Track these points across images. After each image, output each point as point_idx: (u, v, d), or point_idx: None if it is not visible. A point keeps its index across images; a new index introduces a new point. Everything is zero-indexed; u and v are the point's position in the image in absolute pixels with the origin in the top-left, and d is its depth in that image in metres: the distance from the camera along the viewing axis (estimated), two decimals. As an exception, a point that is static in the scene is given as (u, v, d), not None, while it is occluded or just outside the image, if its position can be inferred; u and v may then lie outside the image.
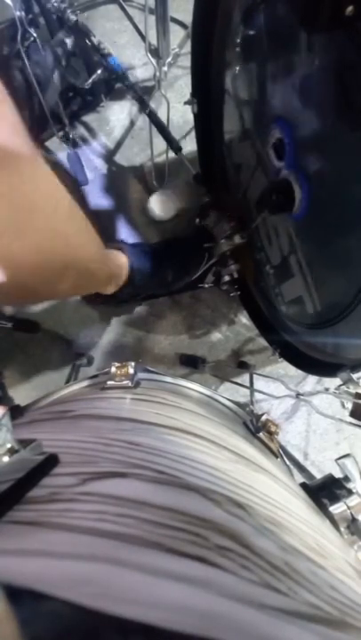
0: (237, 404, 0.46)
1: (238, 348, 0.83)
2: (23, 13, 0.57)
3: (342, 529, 0.30)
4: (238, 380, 0.80)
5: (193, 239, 0.68)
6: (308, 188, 0.38)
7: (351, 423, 0.41)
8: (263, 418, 0.40)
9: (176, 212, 0.75)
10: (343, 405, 0.41)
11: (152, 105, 0.68)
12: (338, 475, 0.35)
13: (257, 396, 0.75)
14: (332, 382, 0.44)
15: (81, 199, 0.77)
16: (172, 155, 0.71)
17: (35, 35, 0.58)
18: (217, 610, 0.11)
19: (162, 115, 0.69)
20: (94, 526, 0.13)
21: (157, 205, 0.74)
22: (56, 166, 0.77)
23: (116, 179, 0.79)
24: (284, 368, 0.82)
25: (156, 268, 0.65)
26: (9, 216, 0.29)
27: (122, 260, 0.61)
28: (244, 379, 0.79)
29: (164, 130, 0.68)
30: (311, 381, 0.80)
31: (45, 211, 0.33)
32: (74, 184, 0.76)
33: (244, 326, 0.82)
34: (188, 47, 0.52)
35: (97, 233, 0.43)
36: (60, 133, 0.74)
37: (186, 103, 0.57)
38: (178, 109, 0.78)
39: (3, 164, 0.27)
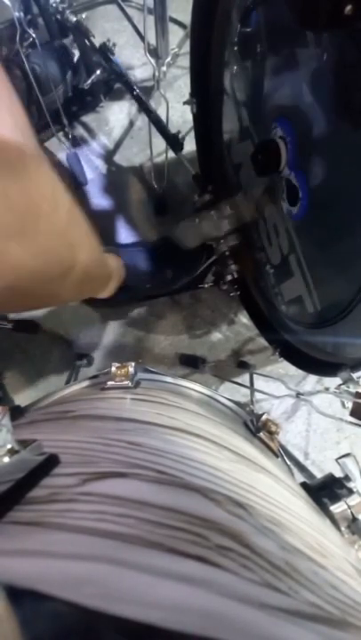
0: (238, 403, 0.46)
1: (238, 347, 0.83)
2: (22, 14, 0.57)
3: (343, 528, 0.30)
4: (238, 379, 0.80)
5: None
6: (308, 188, 0.38)
7: (351, 422, 0.41)
8: (263, 417, 0.39)
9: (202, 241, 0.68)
10: (343, 405, 0.41)
11: (151, 105, 0.68)
12: (338, 474, 0.35)
13: (257, 395, 0.75)
14: (333, 382, 0.44)
15: (81, 199, 0.77)
16: (171, 154, 0.71)
17: (34, 35, 0.59)
18: (217, 609, 0.11)
19: (161, 115, 0.69)
20: (94, 526, 0.13)
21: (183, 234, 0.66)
22: (56, 166, 0.77)
23: (116, 179, 0.79)
24: (284, 368, 0.81)
25: (153, 267, 0.65)
26: (10, 219, 0.28)
27: (116, 263, 0.61)
28: (245, 379, 0.79)
29: (163, 129, 0.68)
30: (311, 381, 0.80)
31: (47, 213, 0.32)
32: (74, 184, 0.76)
33: (244, 326, 0.82)
34: (186, 47, 0.52)
35: (95, 234, 0.43)
36: (60, 134, 0.74)
37: (185, 103, 0.57)
38: (177, 109, 0.78)
39: (4, 165, 0.26)
